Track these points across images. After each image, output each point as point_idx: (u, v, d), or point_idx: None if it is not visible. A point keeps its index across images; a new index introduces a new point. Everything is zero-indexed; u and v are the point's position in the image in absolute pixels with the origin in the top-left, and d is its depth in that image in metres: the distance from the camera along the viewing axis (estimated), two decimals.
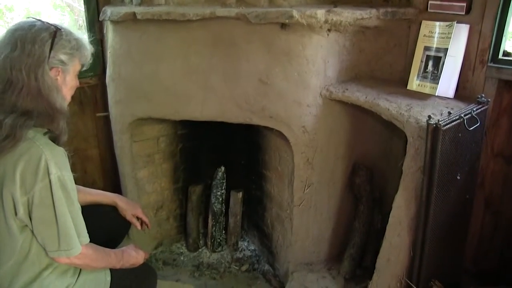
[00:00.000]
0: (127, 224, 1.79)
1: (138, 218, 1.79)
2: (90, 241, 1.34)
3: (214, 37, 1.77)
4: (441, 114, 1.50)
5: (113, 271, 1.46)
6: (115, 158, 2.26)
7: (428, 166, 1.41)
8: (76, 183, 1.32)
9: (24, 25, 1.23)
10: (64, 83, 1.30)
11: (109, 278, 1.44)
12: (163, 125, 2.28)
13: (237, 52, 1.76)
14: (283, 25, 1.68)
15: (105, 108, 2.24)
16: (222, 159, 2.42)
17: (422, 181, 1.44)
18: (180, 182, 2.46)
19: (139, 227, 1.79)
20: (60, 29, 1.26)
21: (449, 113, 1.47)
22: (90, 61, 1.39)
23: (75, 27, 1.31)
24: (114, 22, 1.94)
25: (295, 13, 1.62)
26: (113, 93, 2.08)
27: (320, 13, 1.64)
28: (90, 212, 1.45)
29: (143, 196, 2.32)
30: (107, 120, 2.27)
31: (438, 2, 1.78)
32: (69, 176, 1.26)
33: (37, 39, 1.21)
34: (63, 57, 1.26)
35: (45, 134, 1.26)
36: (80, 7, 3.09)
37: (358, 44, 1.82)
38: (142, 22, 1.82)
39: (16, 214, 1.21)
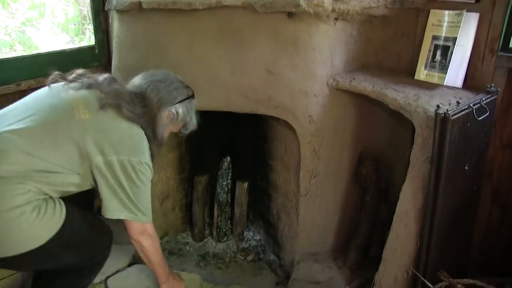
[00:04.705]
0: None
1: None
2: None
3: (220, 27, 1.76)
4: (450, 104, 1.48)
5: (69, 216, 1.46)
6: None
7: (436, 156, 1.39)
8: None
9: (179, 77, 1.66)
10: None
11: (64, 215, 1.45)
12: None
13: (244, 41, 1.75)
14: (290, 14, 1.66)
15: None
16: (228, 149, 2.42)
17: (430, 171, 1.43)
18: (186, 172, 2.46)
19: None
20: (194, 97, 1.68)
21: (458, 102, 1.46)
22: (184, 134, 1.78)
23: None
24: (120, 12, 1.93)
25: (302, 2, 1.60)
26: None
27: (327, 2, 1.62)
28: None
29: None
30: None
31: None
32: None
33: (180, 89, 1.61)
34: (180, 111, 1.62)
35: None
36: None
37: (365, 34, 1.80)
38: (147, 11, 1.81)
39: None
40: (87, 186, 1.51)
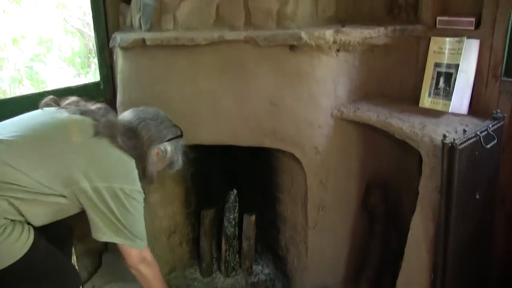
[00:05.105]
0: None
1: None
2: None
3: (223, 61, 1.78)
4: (456, 132, 1.47)
5: (35, 246, 1.38)
6: None
7: (445, 186, 1.37)
8: None
9: (168, 116, 1.66)
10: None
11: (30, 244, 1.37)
12: None
13: (247, 74, 1.76)
14: (292, 47, 1.68)
15: None
16: (234, 182, 2.40)
17: (440, 201, 1.40)
18: (192, 206, 2.44)
19: None
20: (182, 138, 1.68)
21: (464, 130, 1.44)
22: (170, 171, 1.74)
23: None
24: (124, 48, 1.96)
25: (303, 34, 1.62)
26: None
27: (329, 34, 1.64)
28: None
29: (156, 220, 2.30)
30: None
31: (446, 18, 1.77)
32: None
33: (170, 129, 1.62)
34: (169, 149, 1.62)
35: None
36: (90, 32, 3.14)
37: (368, 63, 1.81)
38: (151, 48, 1.83)
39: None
40: (73, 210, 1.47)
